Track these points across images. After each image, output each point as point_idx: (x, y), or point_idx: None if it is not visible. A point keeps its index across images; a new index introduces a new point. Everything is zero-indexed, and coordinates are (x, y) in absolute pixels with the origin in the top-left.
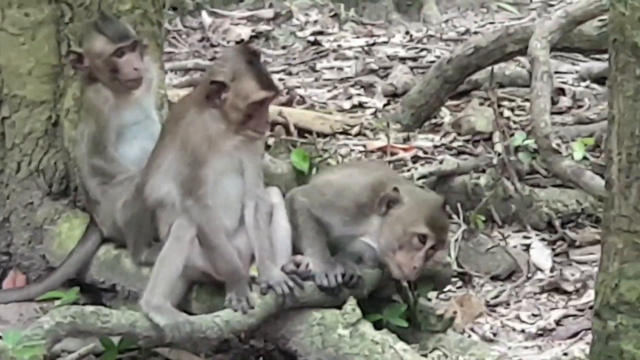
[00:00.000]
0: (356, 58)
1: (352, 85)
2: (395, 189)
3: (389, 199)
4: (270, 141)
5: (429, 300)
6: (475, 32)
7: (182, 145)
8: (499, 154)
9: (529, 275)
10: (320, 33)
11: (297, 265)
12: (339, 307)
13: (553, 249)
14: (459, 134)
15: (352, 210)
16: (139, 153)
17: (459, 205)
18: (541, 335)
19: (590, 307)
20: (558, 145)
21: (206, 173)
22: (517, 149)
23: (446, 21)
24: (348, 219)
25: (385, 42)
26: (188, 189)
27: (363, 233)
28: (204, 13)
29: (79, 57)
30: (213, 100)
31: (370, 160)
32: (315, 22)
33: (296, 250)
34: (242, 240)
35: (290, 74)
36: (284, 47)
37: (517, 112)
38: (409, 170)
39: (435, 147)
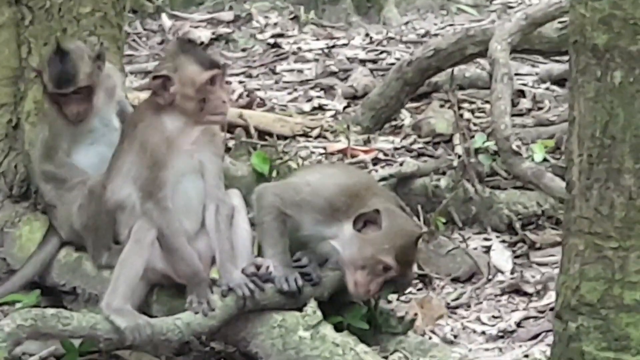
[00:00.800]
0: (316, 60)
1: (312, 88)
2: (377, 211)
3: (367, 219)
4: (231, 143)
5: (390, 302)
6: (435, 34)
7: (140, 148)
8: (460, 156)
9: (490, 277)
10: (280, 35)
11: (258, 267)
12: (300, 310)
13: (513, 251)
14: (419, 136)
15: (326, 211)
16: (96, 159)
17: (419, 207)
18: (502, 337)
19: (551, 309)
20: (518, 147)
21: (166, 175)
22: (477, 151)
23: (406, 23)
24: (321, 218)
25: (345, 45)
26: (148, 192)
27: (332, 236)
28: (163, 16)
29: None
30: (162, 96)
31: (353, 165)
32: (275, 24)
33: (257, 252)
34: (203, 242)
35: (250, 76)
36: (244, 50)
37: (477, 114)
38: (369, 172)
39: (396, 149)
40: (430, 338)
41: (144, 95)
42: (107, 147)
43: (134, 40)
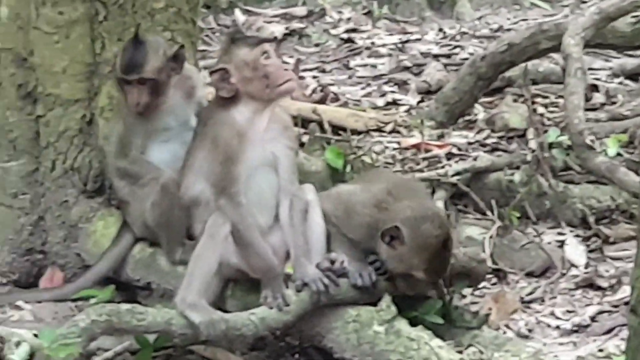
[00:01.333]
0: (390, 55)
1: (385, 83)
2: (397, 228)
3: (391, 235)
4: (305, 139)
5: (464, 297)
6: (509, 29)
7: (212, 144)
8: (533, 151)
9: (564, 271)
10: (354, 30)
11: (332, 262)
12: (374, 304)
13: (587, 245)
14: (493, 131)
15: (362, 230)
16: (170, 157)
17: (493, 201)
18: (576, 331)
19: (626, 303)
20: (592, 141)
21: (238, 170)
22: (551, 145)
23: (479, 18)
24: (361, 235)
25: (419, 39)
26: (221, 187)
27: (376, 249)
28: (237, 11)
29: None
30: (224, 89)
31: (377, 170)
32: (349, 19)
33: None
34: (277, 237)
35: (323, 71)
36: (317, 45)
37: (550, 108)
38: (443, 167)
39: (470, 143)
40: (504, 332)
41: None
42: (182, 145)
43: (207, 35)
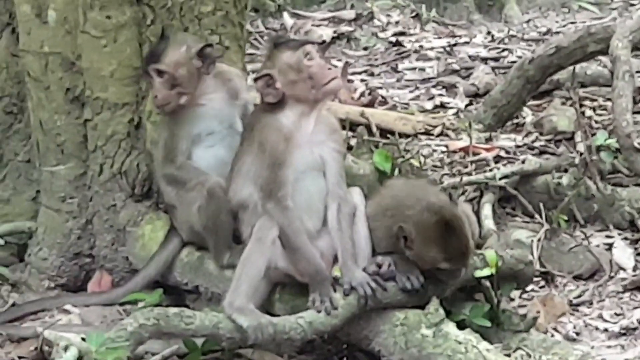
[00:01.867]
0: (438, 58)
1: (434, 86)
2: (401, 228)
3: (403, 236)
4: (353, 142)
5: (512, 300)
6: (557, 32)
7: (259, 149)
8: (581, 154)
9: (612, 274)
10: (402, 34)
11: (379, 266)
12: (422, 307)
13: (635, 248)
14: (541, 134)
15: (383, 240)
16: (215, 162)
17: (541, 205)
18: (624, 334)
19: None
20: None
21: (285, 174)
22: (599, 148)
23: (527, 21)
24: (386, 245)
25: (467, 43)
26: (268, 191)
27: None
28: (285, 14)
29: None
30: (270, 95)
31: (388, 181)
32: (397, 22)
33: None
34: (325, 241)
35: (372, 74)
36: (365, 48)
37: (598, 111)
38: (491, 170)
39: (518, 146)
40: (552, 335)
41: None
42: (228, 149)
43: (255, 39)
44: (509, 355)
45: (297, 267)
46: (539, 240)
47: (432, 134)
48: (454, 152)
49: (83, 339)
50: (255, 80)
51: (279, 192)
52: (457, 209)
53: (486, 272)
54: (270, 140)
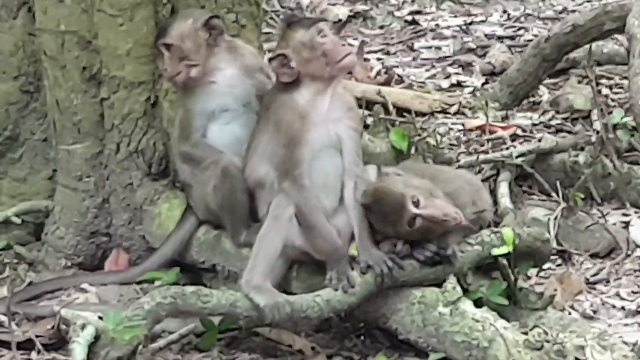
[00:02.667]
0: (454, 37)
1: (450, 65)
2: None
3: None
4: (369, 120)
5: (529, 278)
6: (573, 10)
7: (275, 127)
8: (598, 132)
9: (629, 252)
10: (418, 12)
11: (395, 244)
12: (439, 286)
13: None
14: (558, 112)
15: None
16: (231, 139)
17: (557, 183)
18: None
19: None
20: None
21: (301, 152)
22: (615, 126)
23: (543, 0)
24: None
25: (483, 21)
26: (284, 170)
27: None
28: None
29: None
30: (285, 74)
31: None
32: (413, 1)
33: None
34: (342, 219)
35: (388, 53)
36: (381, 27)
37: (615, 89)
38: (507, 149)
39: (534, 125)
40: (569, 314)
41: None
42: (243, 127)
43: (271, 17)
44: (526, 333)
45: (314, 245)
46: (555, 218)
47: (449, 113)
48: (471, 130)
49: (100, 318)
50: (270, 60)
51: (295, 170)
52: (389, 185)
53: (503, 250)
54: (285, 119)
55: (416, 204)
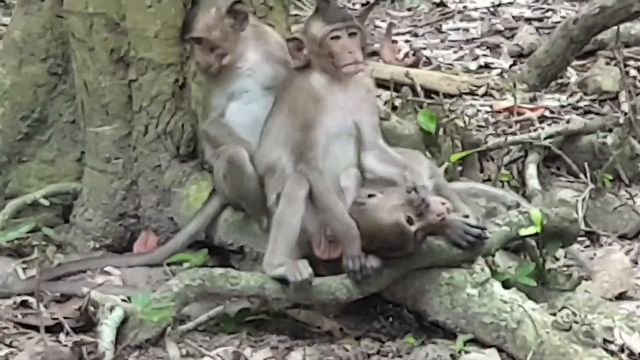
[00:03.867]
0: (482, 19)
1: (478, 46)
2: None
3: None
4: (397, 102)
5: (557, 259)
6: None
7: (289, 111)
8: (626, 113)
9: None
10: None
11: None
12: (468, 267)
13: None
14: (585, 94)
15: None
16: (249, 120)
17: (585, 164)
18: None
19: None
20: None
21: (316, 135)
22: None
23: None
24: None
25: (511, 3)
26: (299, 154)
27: None
28: None
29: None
30: (297, 58)
31: None
32: None
33: None
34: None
35: (416, 35)
36: (409, 9)
37: None
38: (535, 130)
39: (562, 106)
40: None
41: None
42: (262, 108)
43: (299, 0)
44: (554, 315)
45: (330, 227)
46: (583, 199)
47: (477, 94)
48: (499, 112)
49: (124, 300)
50: (287, 41)
51: (310, 153)
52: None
53: (531, 230)
54: (300, 102)
55: (411, 221)
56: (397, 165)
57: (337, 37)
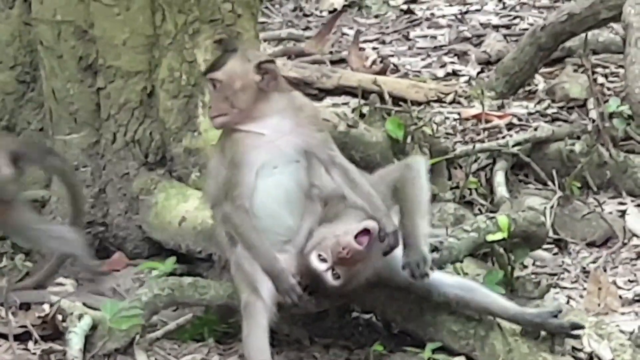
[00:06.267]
0: (449, 26)
1: (445, 54)
2: None
3: None
4: (365, 109)
5: (525, 267)
6: None
7: (220, 151)
8: (594, 121)
9: (625, 241)
10: (413, 1)
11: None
12: None
13: None
14: (553, 101)
15: None
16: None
17: (554, 172)
18: (638, 301)
19: None
20: None
21: (242, 174)
22: (611, 115)
23: None
24: None
25: (479, 10)
26: (224, 192)
27: None
28: None
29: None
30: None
31: None
32: None
33: None
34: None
35: (383, 42)
36: (376, 16)
37: (611, 78)
38: (503, 137)
39: (530, 114)
40: (567, 302)
41: (278, 62)
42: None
43: (267, 7)
44: None
45: (258, 264)
46: (552, 207)
47: (445, 102)
48: (467, 119)
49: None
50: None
51: (234, 191)
52: None
53: (498, 236)
54: (226, 143)
55: (323, 258)
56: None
57: (212, 87)
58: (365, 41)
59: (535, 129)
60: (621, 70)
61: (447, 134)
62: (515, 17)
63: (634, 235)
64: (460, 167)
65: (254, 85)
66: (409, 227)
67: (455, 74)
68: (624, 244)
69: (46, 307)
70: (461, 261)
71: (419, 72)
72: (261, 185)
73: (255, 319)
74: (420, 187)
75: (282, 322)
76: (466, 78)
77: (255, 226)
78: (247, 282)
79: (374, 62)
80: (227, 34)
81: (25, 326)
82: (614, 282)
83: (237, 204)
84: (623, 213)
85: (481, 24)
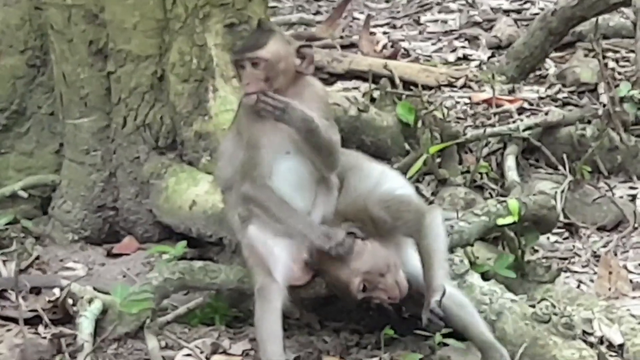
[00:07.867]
0: (460, 11)
1: (456, 38)
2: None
3: None
4: (376, 94)
5: (536, 251)
6: None
7: (237, 131)
8: (604, 105)
9: (636, 225)
10: None
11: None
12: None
13: None
14: (564, 85)
15: None
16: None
17: (564, 156)
18: None
19: None
20: None
21: (260, 155)
22: (622, 99)
23: None
24: None
25: None
26: (244, 173)
27: None
28: None
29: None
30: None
31: None
32: None
33: None
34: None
35: (394, 27)
36: (387, 1)
37: (621, 63)
38: (514, 122)
39: (541, 98)
40: (578, 286)
41: None
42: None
43: None
44: (533, 306)
45: (297, 232)
46: (562, 191)
47: (455, 86)
48: (477, 103)
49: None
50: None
51: (254, 172)
52: None
53: (509, 219)
54: (242, 122)
55: (364, 288)
56: None
57: (242, 67)
58: (375, 25)
59: (546, 114)
60: (632, 55)
61: (458, 118)
62: (525, 2)
63: None
64: (471, 151)
65: (293, 68)
66: (427, 278)
67: (466, 58)
68: (635, 228)
69: (57, 291)
70: (472, 245)
71: (430, 56)
72: (274, 169)
73: (270, 302)
74: (435, 237)
75: (293, 306)
76: (477, 62)
77: (282, 198)
78: (261, 265)
79: (384, 47)
80: (237, 18)
81: (35, 310)
82: (625, 267)
83: (259, 183)
84: (634, 197)
85: (492, 9)
